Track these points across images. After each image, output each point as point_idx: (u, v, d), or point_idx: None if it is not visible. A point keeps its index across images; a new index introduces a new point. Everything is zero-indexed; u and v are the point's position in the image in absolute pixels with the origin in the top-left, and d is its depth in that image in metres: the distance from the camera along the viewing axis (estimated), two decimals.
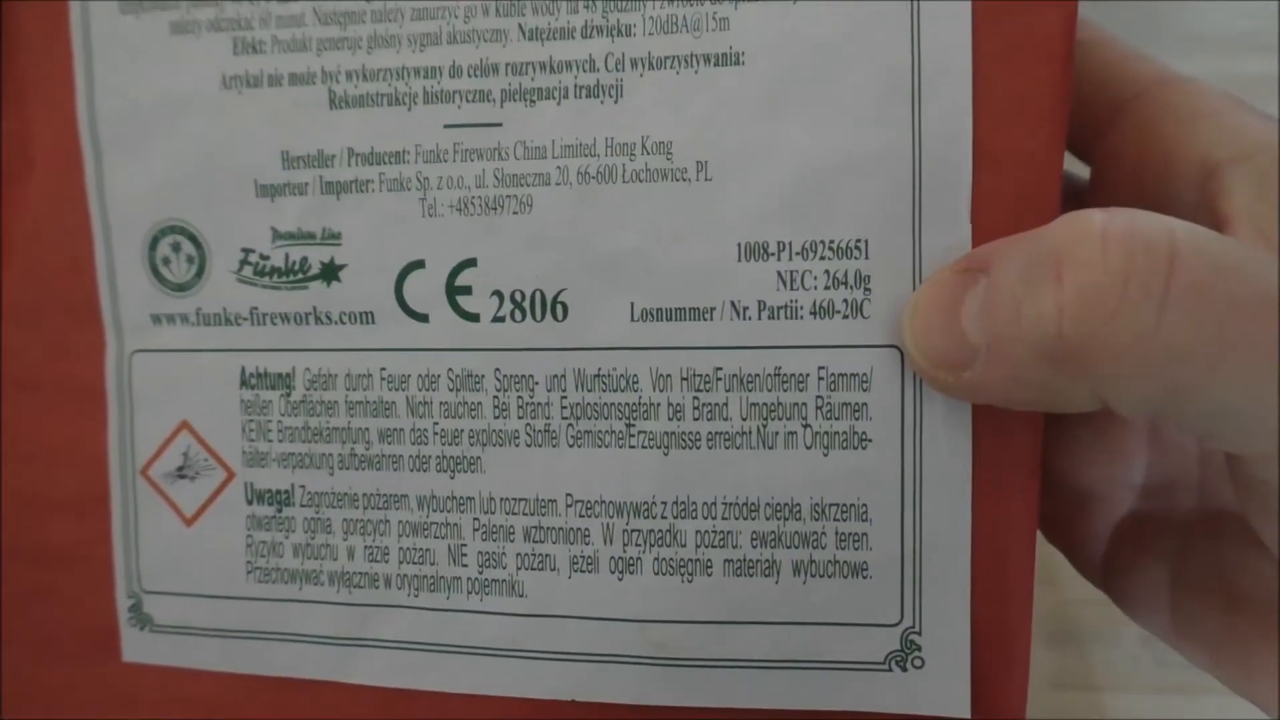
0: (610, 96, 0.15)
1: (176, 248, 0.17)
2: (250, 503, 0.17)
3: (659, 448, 0.16)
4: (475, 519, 0.16)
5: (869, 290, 0.15)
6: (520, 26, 0.15)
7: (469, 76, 0.16)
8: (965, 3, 0.14)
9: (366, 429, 0.16)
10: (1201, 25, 0.29)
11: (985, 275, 0.14)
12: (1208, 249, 0.12)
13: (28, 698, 0.18)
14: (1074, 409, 0.13)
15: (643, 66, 0.15)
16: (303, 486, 0.17)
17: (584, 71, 0.15)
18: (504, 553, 0.16)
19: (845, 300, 0.15)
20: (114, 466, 0.17)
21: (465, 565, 0.16)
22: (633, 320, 0.15)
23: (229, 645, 0.17)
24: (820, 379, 0.15)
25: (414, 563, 0.16)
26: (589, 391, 0.16)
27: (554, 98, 0.15)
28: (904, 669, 0.15)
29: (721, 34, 0.15)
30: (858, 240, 0.15)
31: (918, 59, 0.14)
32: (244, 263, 0.17)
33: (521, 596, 0.16)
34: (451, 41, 0.16)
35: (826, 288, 0.15)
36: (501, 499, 0.16)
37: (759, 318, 0.15)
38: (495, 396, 0.16)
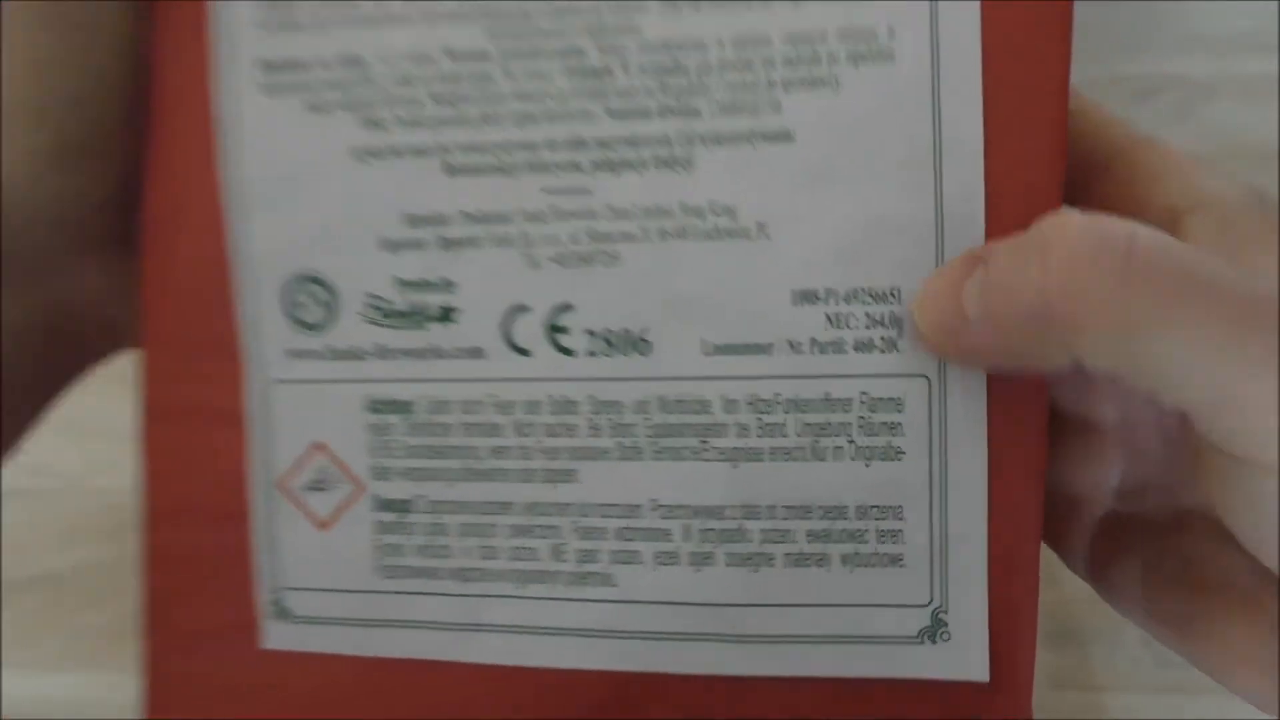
0: (683, 168, 0.18)
1: (311, 294, 0.19)
2: (377, 511, 0.19)
3: (728, 461, 0.18)
4: (573, 522, 0.19)
5: (901, 330, 0.18)
6: (606, 108, 0.18)
7: (563, 150, 0.18)
8: (976, 90, 0.17)
9: (478, 447, 0.19)
10: (1201, 25, 0.29)
11: (984, 264, 0.16)
12: (1162, 240, 0.14)
13: (175, 689, 0.20)
14: (1052, 366, 0.15)
15: (710, 143, 0.18)
16: (423, 496, 0.19)
17: (660, 146, 0.18)
18: (598, 550, 0.19)
19: (882, 338, 0.18)
20: (256, 481, 0.19)
21: (565, 561, 0.19)
22: (705, 355, 0.18)
23: (359, 632, 0.19)
24: (862, 403, 0.18)
25: (520, 559, 0.19)
26: (669, 414, 0.18)
27: (635, 169, 0.18)
28: (934, 642, 0.18)
29: (775, 116, 0.17)
30: (892, 288, 0.18)
31: (939, 135, 0.17)
32: (371, 306, 0.19)
33: (613, 586, 0.19)
34: (548, 120, 0.18)
35: (866, 327, 0.18)
36: (595, 505, 0.18)
37: (811, 352, 0.18)
38: (589, 419, 0.19)
